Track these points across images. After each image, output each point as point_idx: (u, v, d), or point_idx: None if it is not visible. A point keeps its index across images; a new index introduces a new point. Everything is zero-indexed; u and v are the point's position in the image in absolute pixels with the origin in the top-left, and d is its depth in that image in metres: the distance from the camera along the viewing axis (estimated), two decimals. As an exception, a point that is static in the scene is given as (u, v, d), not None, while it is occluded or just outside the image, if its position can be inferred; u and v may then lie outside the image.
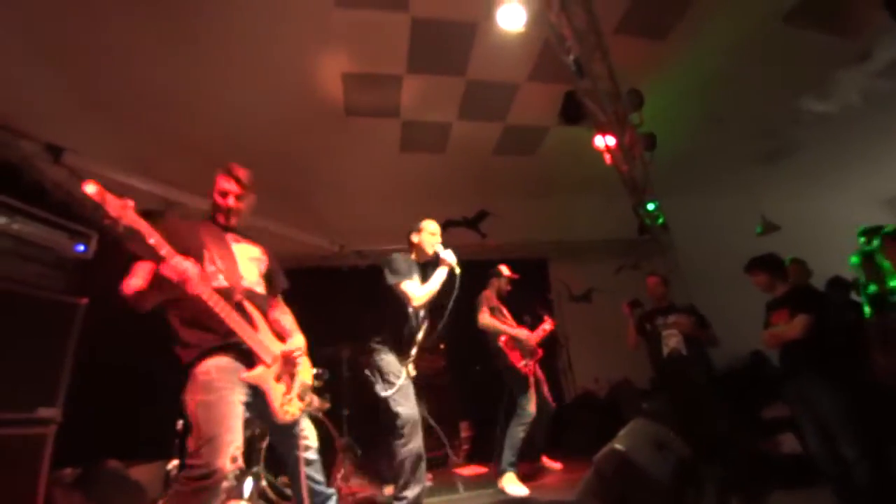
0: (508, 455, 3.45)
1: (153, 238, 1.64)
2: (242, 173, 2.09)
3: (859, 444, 2.54)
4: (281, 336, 2.08)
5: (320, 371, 3.84)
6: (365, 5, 3.37)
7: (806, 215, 6.01)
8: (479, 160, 5.44)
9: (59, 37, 3.22)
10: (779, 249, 3.19)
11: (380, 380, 2.69)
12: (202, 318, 1.80)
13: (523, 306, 4.20)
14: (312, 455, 2.06)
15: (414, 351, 2.87)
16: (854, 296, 3.70)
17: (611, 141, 4.03)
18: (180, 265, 1.66)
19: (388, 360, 2.72)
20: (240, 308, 1.88)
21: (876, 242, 2.84)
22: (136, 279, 1.75)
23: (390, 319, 2.82)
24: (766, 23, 3.84)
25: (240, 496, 2.84)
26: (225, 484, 1.62)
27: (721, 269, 4.42)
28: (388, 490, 3.44)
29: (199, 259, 1.82)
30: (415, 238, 2.97)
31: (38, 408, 2.53)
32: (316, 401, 3.57)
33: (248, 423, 1.96)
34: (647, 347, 3.99)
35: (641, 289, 4.35)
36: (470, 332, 3.79)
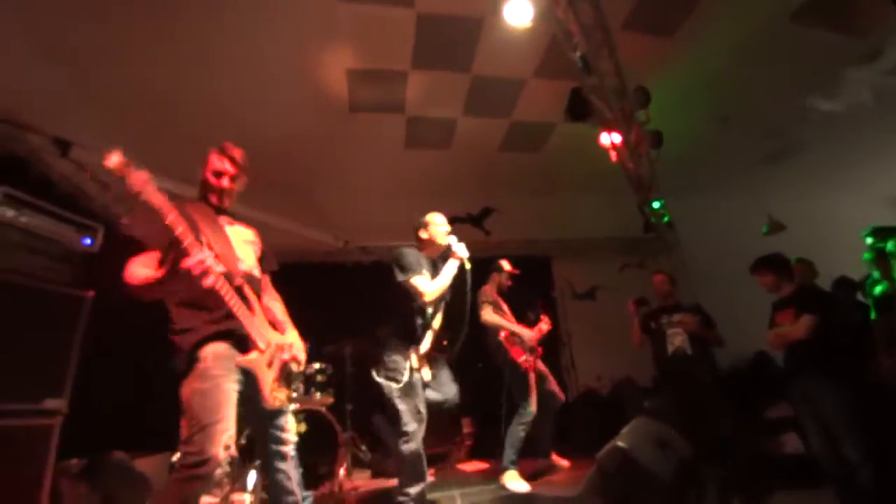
0: (509, 453, 3.45)
1: (171, 215, 1.61)
2: (237, 153, 2.02)
3: (863, 445, 2.53)
4: (273, 324, 2.05)
5: (324, 366, 3.88)
6: (370, 0, 3.36)
7: (812, 215, 5.96)
8: (484, 157, 5.43)
9: (63, 33, 3.23)
10: (785, 249, 3.17)
11: (384, 374, 2.66)
12: (202, 301, 1.77)
13: (524, 303, 4.19)
14: (291, 450, 2.01)
15: (427, 346, 2.78)
16: (860, 296, 3.68)
17: (617, 138, 4.01)
18: (203, 257, 1.62)
19: (394, 355, 2.66)
20: (240, 292, 1.86)
21: (891, 244, 2.82)
22: (143, 269, 1.70)
23: (399, 314, 2.75)
24: (773, 21, 3.80)
25: (243, 489, 2.86)
26: (218, 471, 1.63)
27: (726, 269, 4.40)
28: (391, 484, 3.45)
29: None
30: (423, 234, 2.90)
31: (44, 399, 2.57)
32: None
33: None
34: (652, 346, 3.97)
35: (646, 287, 4.34)
36: (472, 329, 3.79)
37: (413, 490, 2.57)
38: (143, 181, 1.56)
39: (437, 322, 2.86)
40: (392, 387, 2.60)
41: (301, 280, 5.42)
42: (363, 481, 3.99)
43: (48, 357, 2.64)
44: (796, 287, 3.01)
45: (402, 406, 2.58)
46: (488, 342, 3.78)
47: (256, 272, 2.07)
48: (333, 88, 4.18)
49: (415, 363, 2.69)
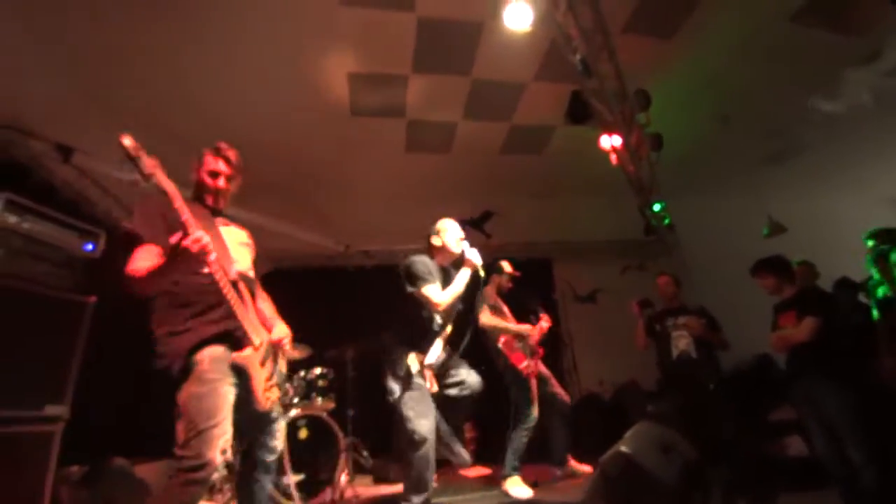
0: (511, 459, 3.41)
1: (179, 201, 1.63)
2: (232, 153, 2.01)
3: (866, 447, 2.52)
4: (263, 323, 2.04)
5: (325, 371, 3.87)
6: (370, 4, 3.37)
7: (813, 215, 5.95)
8: (484, 160, 5.43)
9: (63, 37, 3.24)
10: (785, 250, 3.17)
11: (392, 381, 2.63)
12: (198, 300, 1.77)
13: (524, 306, 4.17)
14: (275, 462, 2.01)
15: (437, 354, 2.74)
16: (862, 297, 3.67)
17: (617, 141, 4.01)
18: (200, 235, 1.61)
19: (404, 361, 2.62)
20: (235, 287, 1.84)
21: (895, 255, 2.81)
22: (145, 261, 1.70)
23: (410, 321, 2.71)
24: (773, 22, 3.80)
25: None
26: (215, 476, 1.62)
27: (727, 271, 4.39)
28: (393, 491, 3.44)
29: None
30: (436, 241, 2.86)
31: (45, 405, 2.55)
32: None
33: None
34: (656, 348, 3.96)
35: (647, 290, 4.33)
36: (474, 332, 3.78)
37: (417, 500, 2.53)
38: (154, 165, 1.62)
39: (447, 330, 2.83)
40: (401, 393, 2.58)
41: (302, 284, 5.45)
42: (365, 487, 3.97)
43: (50, 363, 2.63)
44: (798, 289, 3.00)
45: (410, 413, 2.54)
46: (488, 346, 3.77)
47: (252, 273, 2.07)
48: (334, 92, 4.19)
49: (419, 368, 2.65)
